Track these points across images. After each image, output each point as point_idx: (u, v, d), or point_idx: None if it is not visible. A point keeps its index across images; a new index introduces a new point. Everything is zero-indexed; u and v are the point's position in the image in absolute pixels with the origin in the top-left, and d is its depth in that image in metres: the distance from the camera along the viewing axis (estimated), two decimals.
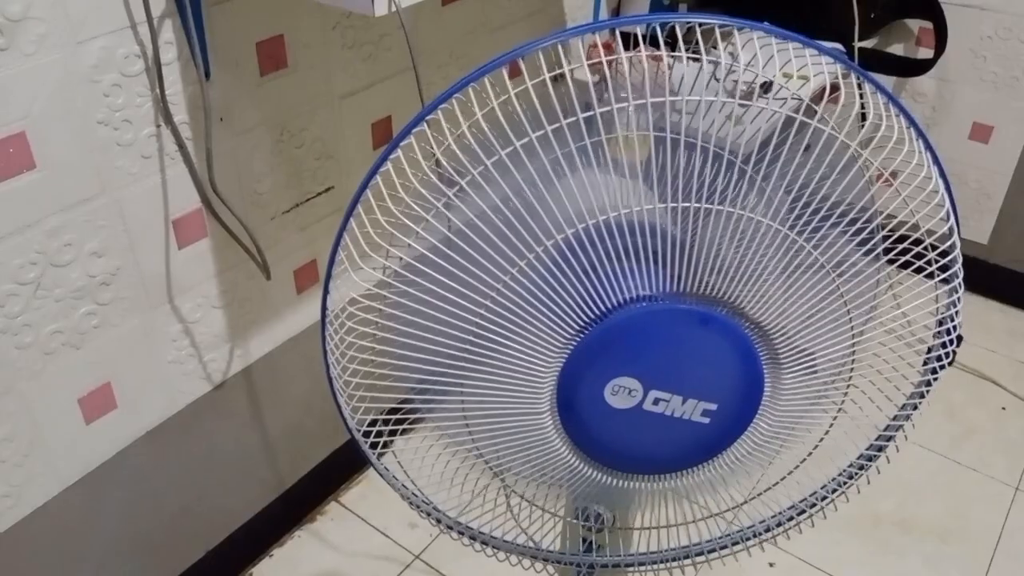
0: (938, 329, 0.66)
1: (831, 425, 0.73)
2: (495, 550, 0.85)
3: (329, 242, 1.43)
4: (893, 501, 1.70)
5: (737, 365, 0.64)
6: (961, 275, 0.64)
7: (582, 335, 0.64)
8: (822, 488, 0.82)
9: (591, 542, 0.91)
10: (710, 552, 0.83)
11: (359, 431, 0.78)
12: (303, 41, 1.24)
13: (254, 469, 1.50)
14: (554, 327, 0.64)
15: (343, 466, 1.69)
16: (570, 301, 0.63)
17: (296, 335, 1.46)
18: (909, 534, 1.64)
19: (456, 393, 0.69)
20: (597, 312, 0.63)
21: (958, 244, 0.62)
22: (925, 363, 0.67)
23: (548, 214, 0.61)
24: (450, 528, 0.84)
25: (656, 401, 0.66)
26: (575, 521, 0.89)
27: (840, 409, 0.71)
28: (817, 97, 0.64)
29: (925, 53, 2.01)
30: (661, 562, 0.86)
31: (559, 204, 0.61)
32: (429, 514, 0.84)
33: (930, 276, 0.64)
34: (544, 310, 0.63)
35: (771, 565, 1.58)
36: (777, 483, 0.80)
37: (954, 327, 0.64)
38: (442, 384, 0.69)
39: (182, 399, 1.31)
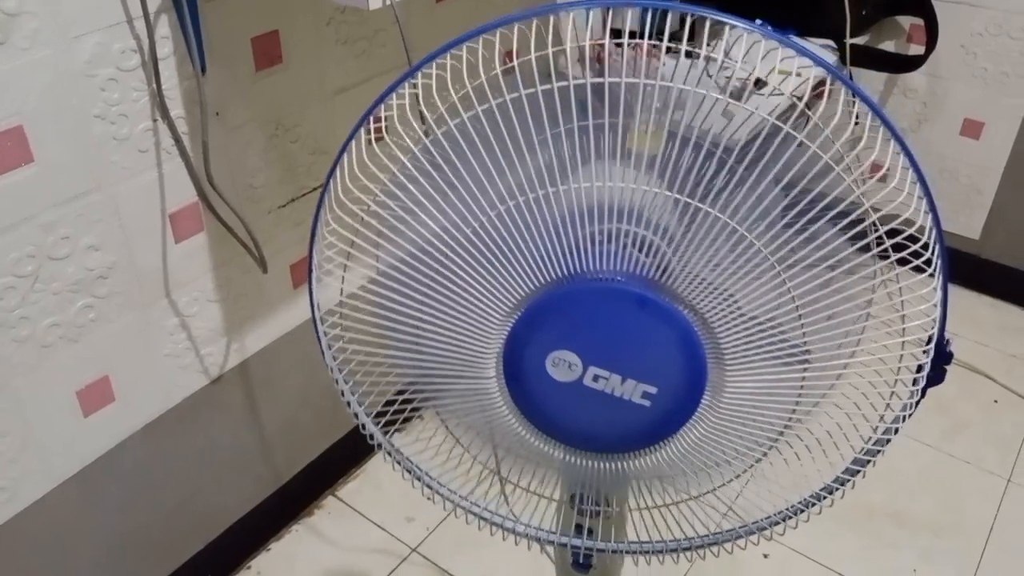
0: (925, 348, 0.65)
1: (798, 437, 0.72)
2: (502, 530, 0.86)
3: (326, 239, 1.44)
4: (886, 493, 1.71)
5: (676, 352, 0.64)
6: (941, 276, 0.63)
7: (526, 303, 0.65)
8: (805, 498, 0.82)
9: (586, 528, 0.91)
10: (699, 547, 0.83)
11: (367, 412, 0.80)
12: (297, 37, 1.25)
13: (251, 463, 1.51)
14: (503, 289, 0.65)
15: (340, 461, 1.70)
16: (518, 267, 0.64)
17: (292, 330, 1.46)
18: (902, 526, 1.65)
19: (417, 349, 0.71)
20: (541, 282, 0.64)
21: (937, 239, 0.62)
22: (914, 382, 0.66)
23: (512, 174, 0.62)
24: (458, 505, 0.85)
25: (596, 378, 0.66)
26: (570, 507, 0.90)
27: (795, 417, 0.70)
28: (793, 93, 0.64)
29: (916, 50, 2.02)
30: (654, 552, 0.86)
31: (523, 166, 0.62)
32: (439, 493, 0.85)
33: (915, 270, 0.63)
34: (495, 271, 0.65)
35: (765, 556, 1.59)
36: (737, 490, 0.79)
37: (942, 337, 0.64)
38: (406, 338, 0.70)
39: (179, 393, 1.31)
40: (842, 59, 1.94)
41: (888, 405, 0.68)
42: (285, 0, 1.20)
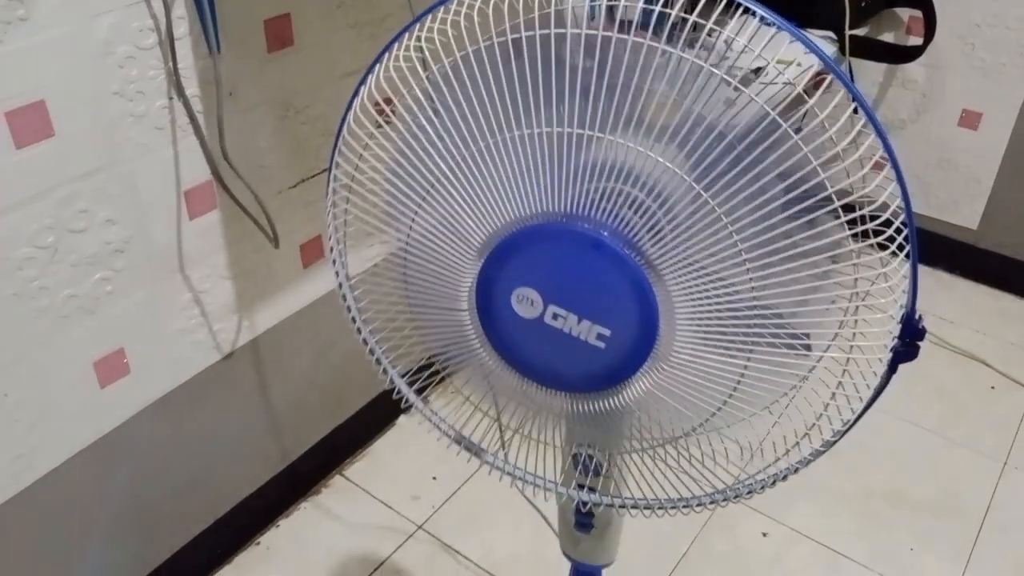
0: (898, 325, 0.66)
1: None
2: (511, 479, 0.88)
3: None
4: (884, 475, 1.74)
5: (628, 296, 0.65)
6: (911, 252, 0.65)
7: (498, 238, 0.68)
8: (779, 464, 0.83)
9: (586, 487, 0.94)
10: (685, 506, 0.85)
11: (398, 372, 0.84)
12: (309, 19, 1.29)
13: (261, 441, 1.54)
14: (479, 218, 0.69)
15: (348, 440, 1.73)
16: (495, 199, 0.67)
17: (302, 308, 1.50)
18: (899, 507, 1.68)
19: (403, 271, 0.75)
20: (512, 216, 0.67)
21: (906, 217, 0.63)
22: (891, 365, 0.67)
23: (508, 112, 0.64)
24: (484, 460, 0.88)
25: (555, 316, 0.69)
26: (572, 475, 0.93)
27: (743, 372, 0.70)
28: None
29: (915, 41, 2.06)
30: (650, 507, 0.89)
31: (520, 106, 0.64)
32: (466, 448, 0.88)
33: (876, 246, 0.65)
34: (476, 200, 0.68)
35: (764, 535, 1.62)
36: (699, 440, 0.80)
37: (912, 312, 0.65)
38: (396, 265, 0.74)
39: (191, 368, 1.35)
40: (842, 50, 1.97)
41: (846, 377, 0.69)
42: None
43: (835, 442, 0.72)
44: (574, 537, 0.97)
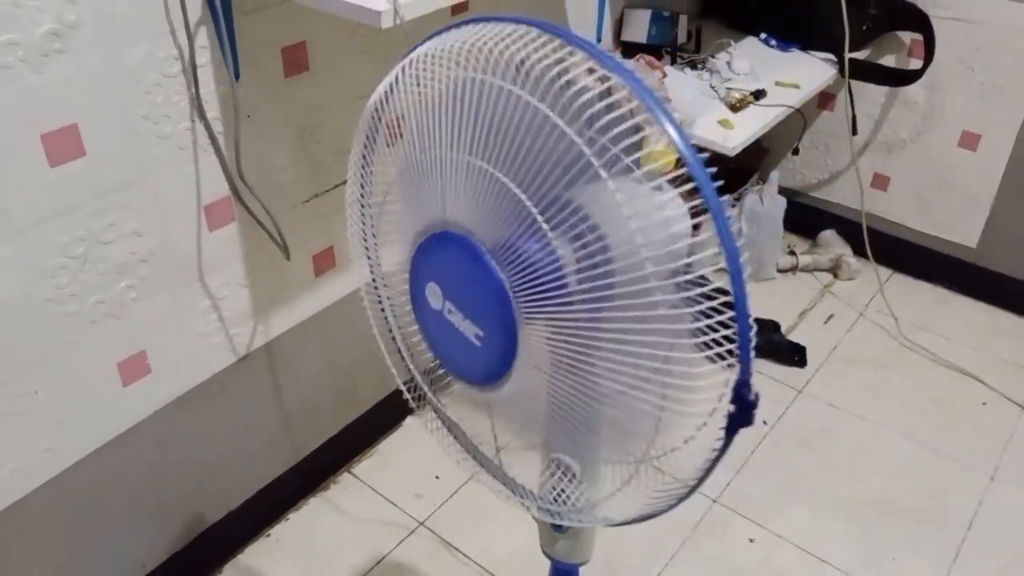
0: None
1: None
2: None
3: (345, 231, 1.56)
4: (873, 484, 1.80)
5: (496, 306, 0.73)
6: (740, 329, 0.62)
7: (425, 235, 0.79)
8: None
9: (562, 493, 1.01)
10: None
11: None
12: (324, 47, 1.38)
13: (273, 438, 1.64)
14: (416, 214, 0.79)
15: (356, 439, 1.82)
16: (417, 206, 0.78)
17: (314, 315, 1.59)
18: (887, 515, 1.74)
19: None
20: (428, 222, 0.78)
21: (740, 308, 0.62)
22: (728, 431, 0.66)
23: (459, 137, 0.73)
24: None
25: (450, 311, 0.78)
26: (548, 475, 1.00)
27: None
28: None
29: (917, 64, 2.11)
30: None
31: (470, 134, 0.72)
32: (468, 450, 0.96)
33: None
34: (418, 197, 0.78)
35: (751, 540, 1.69)
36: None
37: (743, 383, 0.64)
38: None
39: (209, 369, 1.44)
40: (841, 72, 2.03)
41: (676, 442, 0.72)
42: (312, 14, 1.33)
43: (675, 505, 0.75)
44: (551, 537, 1.05)
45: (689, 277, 0.64)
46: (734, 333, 0.62)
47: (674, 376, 0.68)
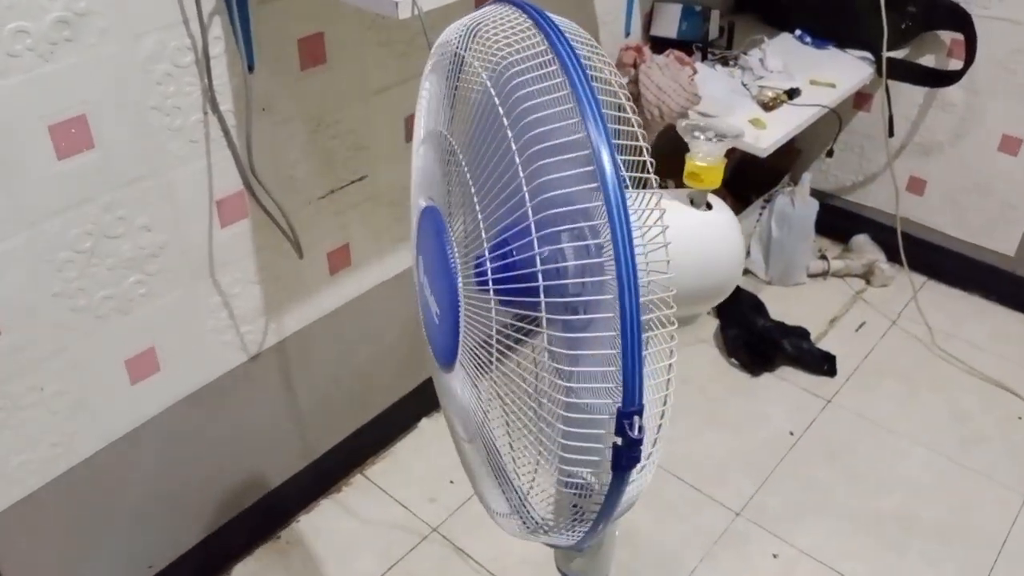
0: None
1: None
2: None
3: (362, 228, 1.53)
4: (897, 499, 1.74)
5: (448, 286, 0.70)
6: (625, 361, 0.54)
7: (419, 208, 0.78)
8: None
9: (579, 508, 0.97)
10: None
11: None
12: (341, 39, 1.34)
13: (285, 439, 1.61)
14: (418, 192, 0.78)
15: (369, 441, 1.79)
16: (423, 178, 0.76)
17: (328, 314, 1.55)
18: (911, 532, 1.68)
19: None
20: (426, 192, 0.77)
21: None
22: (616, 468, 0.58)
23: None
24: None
25: (425, 285, 0.77)
26: (564, 490, 0.96)
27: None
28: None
29: (956, 64, 2.04)
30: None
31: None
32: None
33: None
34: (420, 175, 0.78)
35: (775, 556, 1.64)
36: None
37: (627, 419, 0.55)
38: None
39: (219, 367, 1.41)
40: (878, 71, 1.96)
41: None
42: (329, 5, 1.29)
43: (579, 543, 0.69)
44: (568, 554, 1.01)
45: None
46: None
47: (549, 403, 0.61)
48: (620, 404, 0.55)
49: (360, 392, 1.71)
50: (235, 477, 1.54)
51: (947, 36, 2.06)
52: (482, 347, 0.67)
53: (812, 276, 2.32)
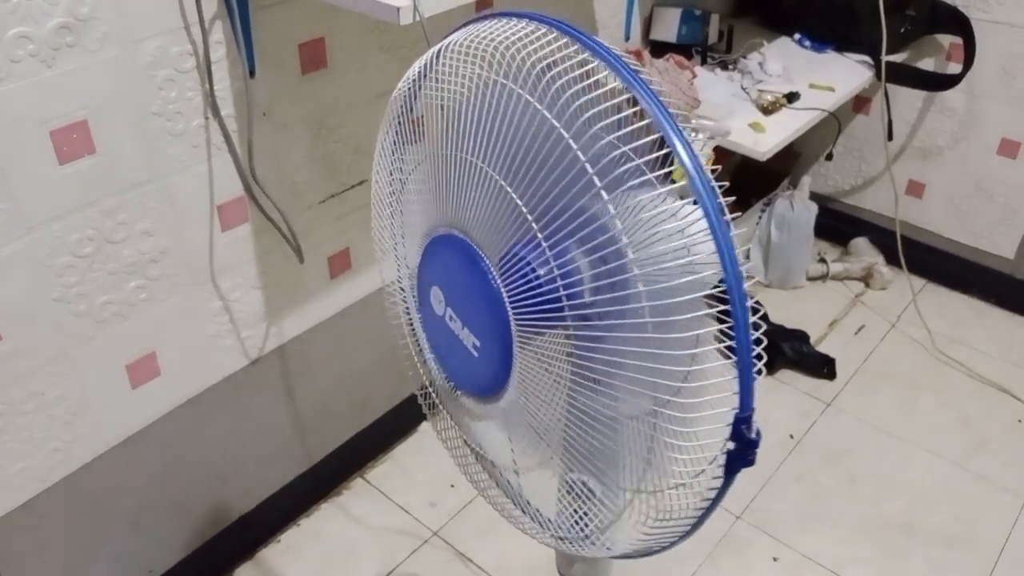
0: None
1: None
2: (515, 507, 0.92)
3: (363, 232, 1.53)
4: (901, 504, 1.74)
5: (493, 318, 0.68)
6: (742, 362, 0.56)
7: (432, 234, 0.75)
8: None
9: (583, 513, 0.97)
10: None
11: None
12: (342, 43, 1.34)
13: (285, 443, 1.60)
14: (424, 219, 0.76)
15: (370, 445, 1.79)
16: (427, 205, 0.74)
17: (329, 318, 1.55)
18: (914, 537, 1.68)
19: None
20: (435, 222, 0.74)
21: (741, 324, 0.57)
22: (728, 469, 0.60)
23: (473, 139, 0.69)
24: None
25: (451, 318, 0.74)
26: (568, 494, 0.96)
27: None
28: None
29: (955, 68, 2.04)
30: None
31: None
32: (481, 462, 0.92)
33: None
34: (427, 197, 0.75)
35: (775, 559, 1.63)
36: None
37: (744, 421, 0.58)
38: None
39: (220, 371, 1.41)
40: (878, 75, 1.96)
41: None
42: (331, 10, 1.29)
43: (677, 542, 0.70)
44: (568, 558, 1.00)
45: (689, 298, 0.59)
46: (733, 363, 0.57)
47: (668, 407, 0.62)
48: (737, 410, 0.58)
49: (360, 396, 1.71)
50: (235, 481, 1.54)
51: (946, 40, 2.06)
52: (549, 367, 0.67)
53: (811, 279, 2.32)
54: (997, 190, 2.12)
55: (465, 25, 0.73)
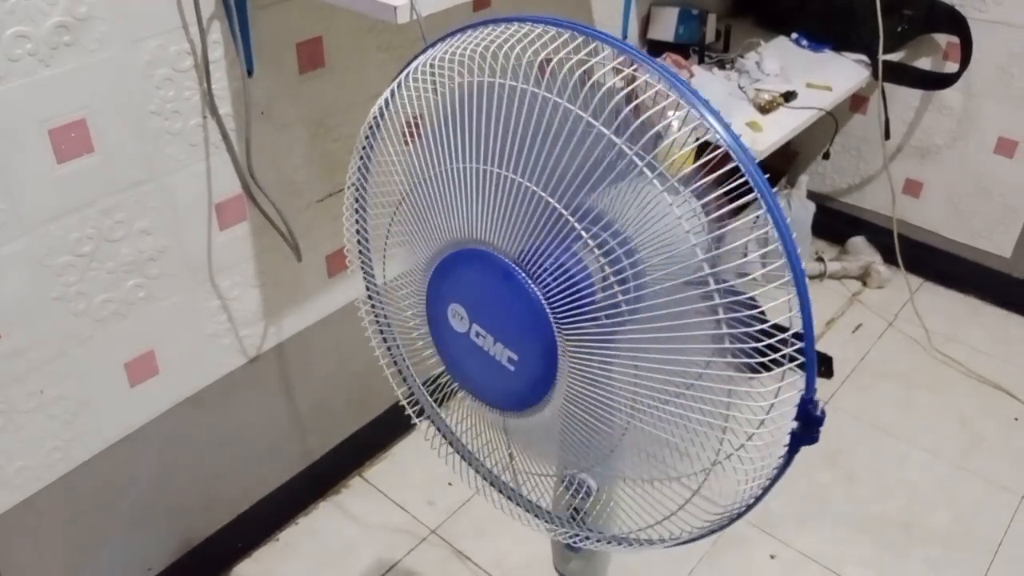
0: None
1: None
2: (509, 502, 0.92)
3: None
4: (898, 503, 1.74)
5: (533, 328, 0.68)
6: (806, 337, 0.60)
7: (445, 252, 0.73)
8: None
9: (579, 511, 0.98)
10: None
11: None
12: (340, 42, 1.34)
13: (284, 441, 1.61)
14: (428, 238, 0.74)
15: (368, 443, 1.79)
16: (439, 221, 0.73)
17: (327, 316, 1.56)
18: (912, 536, 1.68)
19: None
20: (450, 238, 0.73)
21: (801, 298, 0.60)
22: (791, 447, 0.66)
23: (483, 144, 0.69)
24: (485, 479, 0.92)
25: (478, 335, 0.73)
26: (565, 492, 0.96)
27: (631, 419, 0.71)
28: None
29: (952, 67, 2.04)
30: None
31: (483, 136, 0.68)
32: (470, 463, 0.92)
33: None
34: (436, 213, 0.74)
35: (772, 557, 1.64)
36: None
37: (809, 399, 0.63)
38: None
39: (218, 370, 1.41)
40: (875, 74, 1.97)
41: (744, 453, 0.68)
42: (329, 9, 1.29)
43: (737, 518, 0.72)
44: (564, 556, 1.01)
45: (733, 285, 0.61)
46: (795, 350, 0.60)
47: (713, 392, 0.65)
48: (804, 392, 0.63)
49: (359, 394, 1.71)
50: (234, 479, 1.54)
51: (943, 39, 2.06)
52: (603, 370, 0.67)
53: (809, 278, 2.32)
54: (994, 189, 2.12)
55: (452, 35, 0.73)
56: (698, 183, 0.62)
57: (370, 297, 0.90)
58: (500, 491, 0.93)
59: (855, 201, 2.38)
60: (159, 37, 1.12)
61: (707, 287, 0.61)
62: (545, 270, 0.67)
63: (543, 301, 0.67)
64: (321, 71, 1.34)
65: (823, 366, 2.03)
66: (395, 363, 0.91)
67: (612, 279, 0.65)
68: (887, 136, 2.14)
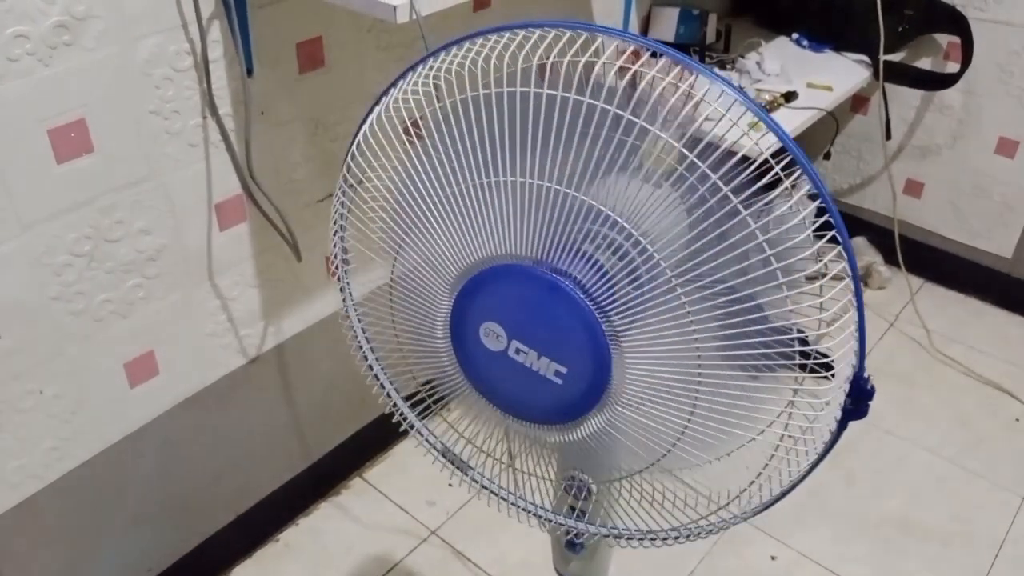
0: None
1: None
2: (501, 500, 0.92)
3: (361, 231, 1.53)
4: (898, 502, 1.74)
5: (583, 339, 0.68)
6: (857, 312, 0.65)
7: (471, 273, 0.72)
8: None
9: (577, 510, 0.97)
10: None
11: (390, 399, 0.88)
12: (340, 42, 1.34)
13: (284, 441, 1.61)
14: (457, 251, 0.73)
15: (368, 444, 1.79)
16: (466, 239, 0.72)
17: (326, 317, 1.55)
18: (911, 535, 1.68)
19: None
20: (480, 256, 0.71)
21: (851, 274, 0.65)
22: (840, 423, 0.67)
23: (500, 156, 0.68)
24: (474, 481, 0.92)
25: (518, 351, 0.72)
26: (563, 491, 0.96)
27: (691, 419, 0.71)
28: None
29: (953, 67, 2.04)
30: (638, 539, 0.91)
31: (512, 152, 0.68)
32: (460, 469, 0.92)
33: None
34: (457, 233, 0.72)
35: (773, 558, 1.64)
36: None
37: (860, 373, 0.65)
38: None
39: (218, 370, 1.41)
40: (875, 75, 1.97)
41: (796, 433, 0.70)
42: (328, 9, 1.29)
43: (786, 493, 0.73)
44: (565, 556, 1.01)
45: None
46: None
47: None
48: (857, 370, 0.66)
49: (359, 395, 1.71)
50: (234, 480, 1.54)
51: (944, 39, 2.06)
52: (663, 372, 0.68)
53: (809, 279, 2.32)
54: (995, 189, 2.12)
55: (456, 43, 0.72)
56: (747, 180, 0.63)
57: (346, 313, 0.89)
58: (494, 494, 0.93)
59: (856, 201, 2.37)
60: (158, 36, 1.12)
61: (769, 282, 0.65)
62: (587, 275, 0.67)
63: (589, 307, 0.67)
64: (321, 71, 1.33)
65: (824, 366, 2.03)
66: (377, 378, 0.90)
67: (670, 274, 0.65)
68: (888, 136, 2.14)
